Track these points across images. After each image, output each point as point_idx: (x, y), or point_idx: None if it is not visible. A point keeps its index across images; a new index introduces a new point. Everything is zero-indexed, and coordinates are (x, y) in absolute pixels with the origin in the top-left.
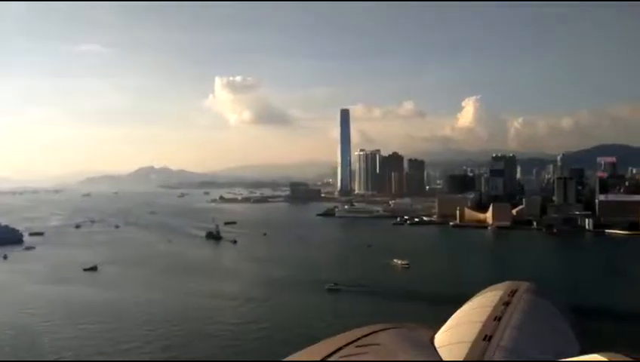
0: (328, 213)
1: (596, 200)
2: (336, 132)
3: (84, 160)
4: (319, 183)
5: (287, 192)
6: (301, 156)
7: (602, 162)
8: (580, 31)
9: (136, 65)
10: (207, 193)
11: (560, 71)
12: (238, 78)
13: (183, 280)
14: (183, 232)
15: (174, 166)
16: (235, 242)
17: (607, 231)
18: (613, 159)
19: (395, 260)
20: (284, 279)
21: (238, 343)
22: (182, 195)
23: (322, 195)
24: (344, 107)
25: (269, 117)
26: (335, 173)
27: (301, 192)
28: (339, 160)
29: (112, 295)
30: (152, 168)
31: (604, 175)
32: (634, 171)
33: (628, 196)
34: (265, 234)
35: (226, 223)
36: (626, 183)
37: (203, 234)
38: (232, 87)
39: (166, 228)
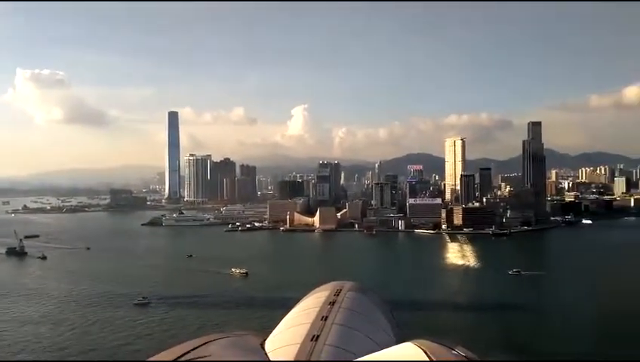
0: (154, 222)
1: (407, 204)
2: (163, 135)
3: None
4: (145, 190)
5: (108, 200)
6: (123, 160)
7: (411, 169)
8: (391, 48)
9: None
10: (6, 203)
11: (374, 84)
12: (46, 72)
13: None
14: None
15: None
16: (44, 258)
17: (416, 230)
18: (420, 167)
19: (232, 269)
20: (94, 296)
21: None
22: None
23: (148, 203)
24: (171, 109)
25: (84, 116)
26: (162, 179)
27: (124, 200)
28: (167, 165)
29: None
30: None
31: (413, 181)
32: (437, 177)
33: (432, 200)
34: (88, 249)
35: (27, 237)
36: (430, 188)
37: (2, 250)
38: (38, 81)
39: None
